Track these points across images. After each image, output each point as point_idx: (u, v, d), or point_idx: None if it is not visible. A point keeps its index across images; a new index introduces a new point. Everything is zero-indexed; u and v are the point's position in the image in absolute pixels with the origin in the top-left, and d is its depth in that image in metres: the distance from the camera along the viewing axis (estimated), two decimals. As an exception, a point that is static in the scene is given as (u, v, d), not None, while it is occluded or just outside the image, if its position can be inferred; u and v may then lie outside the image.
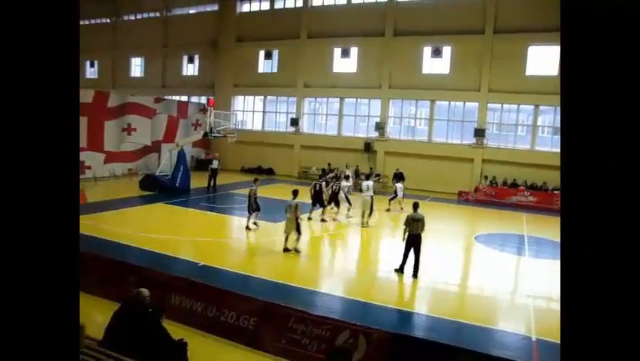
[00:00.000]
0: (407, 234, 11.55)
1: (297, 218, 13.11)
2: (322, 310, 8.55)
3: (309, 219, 17.33)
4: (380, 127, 30.16)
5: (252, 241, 14.94)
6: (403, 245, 11.71)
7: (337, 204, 18.48)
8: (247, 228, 15.64)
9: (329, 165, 26.30)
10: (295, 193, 13.58)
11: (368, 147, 30.37)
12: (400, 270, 11.66)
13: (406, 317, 9.55)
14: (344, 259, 14.07)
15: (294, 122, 33.17)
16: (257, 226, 15.88)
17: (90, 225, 14.49)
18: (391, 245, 13.86)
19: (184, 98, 36.77)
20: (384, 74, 30.29)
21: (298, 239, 13.33)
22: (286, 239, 13.29)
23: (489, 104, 27.93)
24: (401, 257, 11.70)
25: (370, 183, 18.05)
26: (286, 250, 13.18)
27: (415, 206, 11.84)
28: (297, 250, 13.16)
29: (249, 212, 15.68)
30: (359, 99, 31.88)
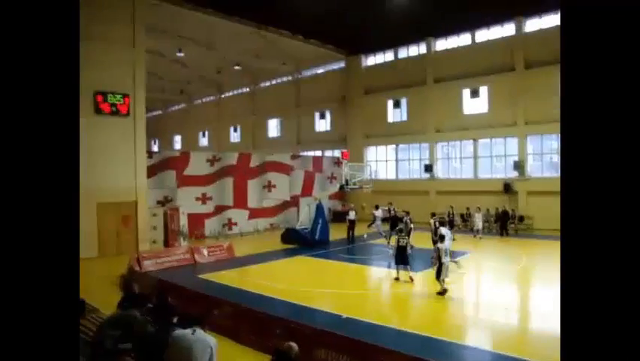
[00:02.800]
0: None
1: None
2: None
3: (455, 261, 16.15)
4: (519, 166, 28.46)
5: (399, 291, 14.61)
6: None
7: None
8: (396, 279, 15.09)
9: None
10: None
11: (507, 187, 28.74)
12: None
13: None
14: (491, 307, 12.96)
15: (428, 168, 32.68)
16: (411, 280, 14.92)
17: (237, 278, 15.45)
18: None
19: (318, 153, 38.40)
20: (518, 110, 28.81)
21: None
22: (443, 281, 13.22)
23: None
24: None
25: None
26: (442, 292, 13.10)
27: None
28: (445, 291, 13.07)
29: (404, 263, 15.00)
30: (493, 139, 30.60)
